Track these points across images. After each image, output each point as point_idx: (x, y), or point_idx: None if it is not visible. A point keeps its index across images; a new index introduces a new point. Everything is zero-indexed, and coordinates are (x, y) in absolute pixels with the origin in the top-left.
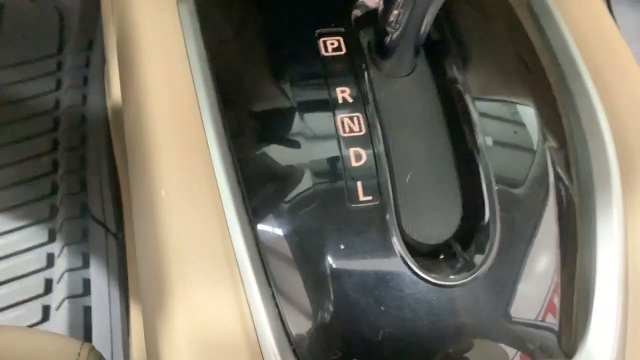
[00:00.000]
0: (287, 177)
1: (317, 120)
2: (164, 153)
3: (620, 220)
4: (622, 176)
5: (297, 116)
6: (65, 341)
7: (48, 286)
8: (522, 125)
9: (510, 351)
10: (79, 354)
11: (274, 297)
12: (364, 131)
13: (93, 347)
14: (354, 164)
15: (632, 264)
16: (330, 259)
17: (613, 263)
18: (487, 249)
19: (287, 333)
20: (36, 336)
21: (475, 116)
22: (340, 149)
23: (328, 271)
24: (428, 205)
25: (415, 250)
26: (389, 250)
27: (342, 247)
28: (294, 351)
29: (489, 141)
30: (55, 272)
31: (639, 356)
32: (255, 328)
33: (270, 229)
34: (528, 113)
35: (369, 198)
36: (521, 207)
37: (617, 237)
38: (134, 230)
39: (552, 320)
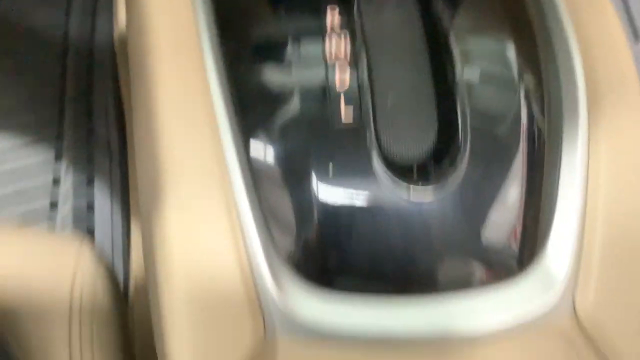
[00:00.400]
0: (276, 100)
1: (306, 48)
2: (164, 74)
3: (584, 147)
4: (589, 108)
5: (288, 43)
6: (63, 238)
7: (53, 206)
8: (499, 56)
9: (473, 262)
10: (78, 252)
11: (261, 208)
12: (349, 58)
13: (93, 246)
14: (339, 88)
15: (591, 189)
16: (314, 176)
17: (574, 186)
18: (457, 167)
19: (274, 242)
20: (34, 234)
21: (456, 48)
22: (327, 74)
23: (313, 187)
24: (406, 128)
25: (393, 168)
26: (368, 166)
27: (325, 165)
28: (281, 256)
29: (467, 72)
30: (60, 193)
31: (593, 271)
32: (243, 237)
33: (261, 147)
34: (507, 45)
35: (351, 120)
36: (492, 133)
37: (580, 163)
38: (135, 151)
39: (514, 235)
